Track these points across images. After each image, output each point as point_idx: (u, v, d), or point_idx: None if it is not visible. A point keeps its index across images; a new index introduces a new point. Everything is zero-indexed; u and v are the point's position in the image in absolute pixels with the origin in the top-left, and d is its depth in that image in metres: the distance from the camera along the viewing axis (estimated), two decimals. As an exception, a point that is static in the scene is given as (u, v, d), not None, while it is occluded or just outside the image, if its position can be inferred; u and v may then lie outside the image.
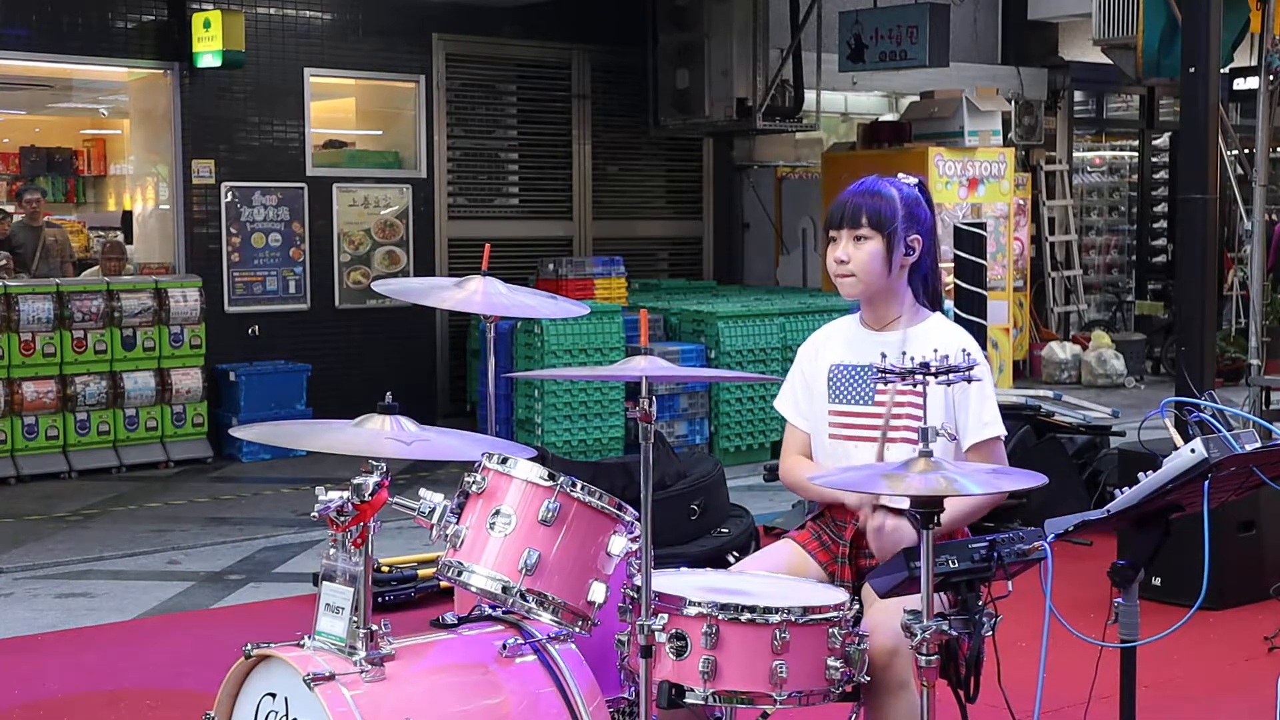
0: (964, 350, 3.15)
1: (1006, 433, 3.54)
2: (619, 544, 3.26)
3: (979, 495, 3.02)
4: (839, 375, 3.61)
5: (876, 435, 3.48)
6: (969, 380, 3.06)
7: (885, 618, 3.16)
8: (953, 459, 3.42)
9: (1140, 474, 3.24)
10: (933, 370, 2.99)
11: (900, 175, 3.67)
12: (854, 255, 3.53)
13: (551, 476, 3.25)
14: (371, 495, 3.11)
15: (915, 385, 3.02)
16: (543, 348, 9.89)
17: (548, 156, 12.48)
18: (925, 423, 2.96)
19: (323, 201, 11.09)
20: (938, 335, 3.50)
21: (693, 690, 3.03)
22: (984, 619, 2.96)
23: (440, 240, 11.72)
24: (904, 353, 3.11)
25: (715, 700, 3.05)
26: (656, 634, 3.03)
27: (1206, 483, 3.15)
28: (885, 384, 3.11)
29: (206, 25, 10.20)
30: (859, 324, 3.66)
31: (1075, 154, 16.44)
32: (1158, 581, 5.70)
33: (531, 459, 3.31)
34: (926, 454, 2.93)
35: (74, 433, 9.78)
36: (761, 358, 10.49)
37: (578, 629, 3.25)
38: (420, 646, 3.27)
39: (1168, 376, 13.98)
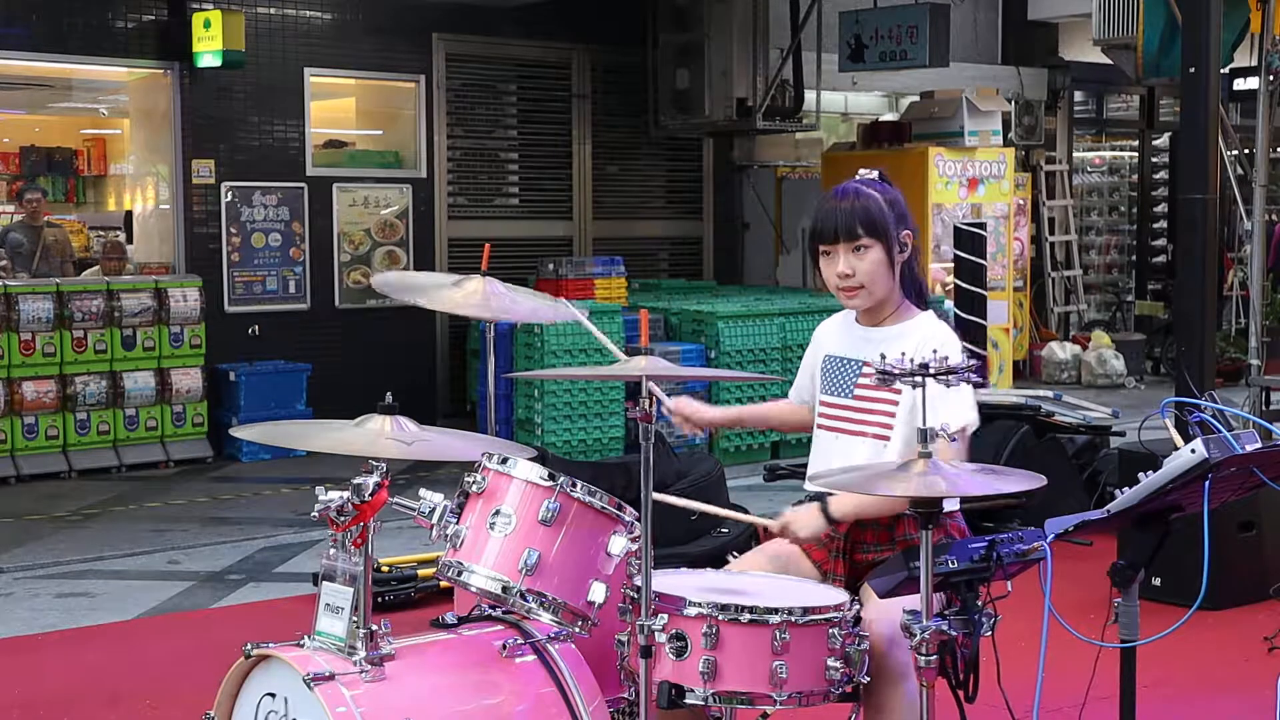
0: (933, 350, 3.09)
1: (974, 424, 3.41)
2: (619, 544, 3.26)
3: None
4: (829, 366, 3.62)
5: (853, 429, 3.50)
6: (969, 381, 3.05)
7: (882, 610, 3.16)
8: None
9: (1140, 474, 3.24)
10: (932, 371, 2.98)
11: (861, 173, 3.60)
12: (858, 267, 3.45)
13: (551, 476, 3.25)
14: (371, 495, 3.11)
15: (891, 384, 3.02)
16: (543, 348, 9.89)
17: (548, 156, 12.48)
18: (925, 424, 2.96)
19: (323, 201, 11.09)
20: (920, 334, 3.47)
21: (693, 690, 3.03)
22: (983, 619, 2.96)
23: (440, 240, 11.72)
24: (882, 355, 3.09)
25: (715, 700, 3.05)
26: (656, 634, 3.03)
27: (1206, 483, 3.15)
28: (888, 383, 3.07)
29: (206, 25, 10.21)
30: (853, 319, 3.65)
31: (1075, 154, 16.44)
32: (1158, 581, 5.69)
33: (531, 459, 3.31)
34: (926, 455, 2.93)
35: (74, 433, 9.77)
36: (761, 358, 10.49)
37: (578, 629, 3.25)
38: (420, 646, 3.27)
39: (1168, 376, 13.98)
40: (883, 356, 3.06)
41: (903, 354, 3.04)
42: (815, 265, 3.62)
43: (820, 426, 3.61)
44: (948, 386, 2.99)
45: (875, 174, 3.61)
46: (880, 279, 3.47)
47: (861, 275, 3.46)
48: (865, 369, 3.45)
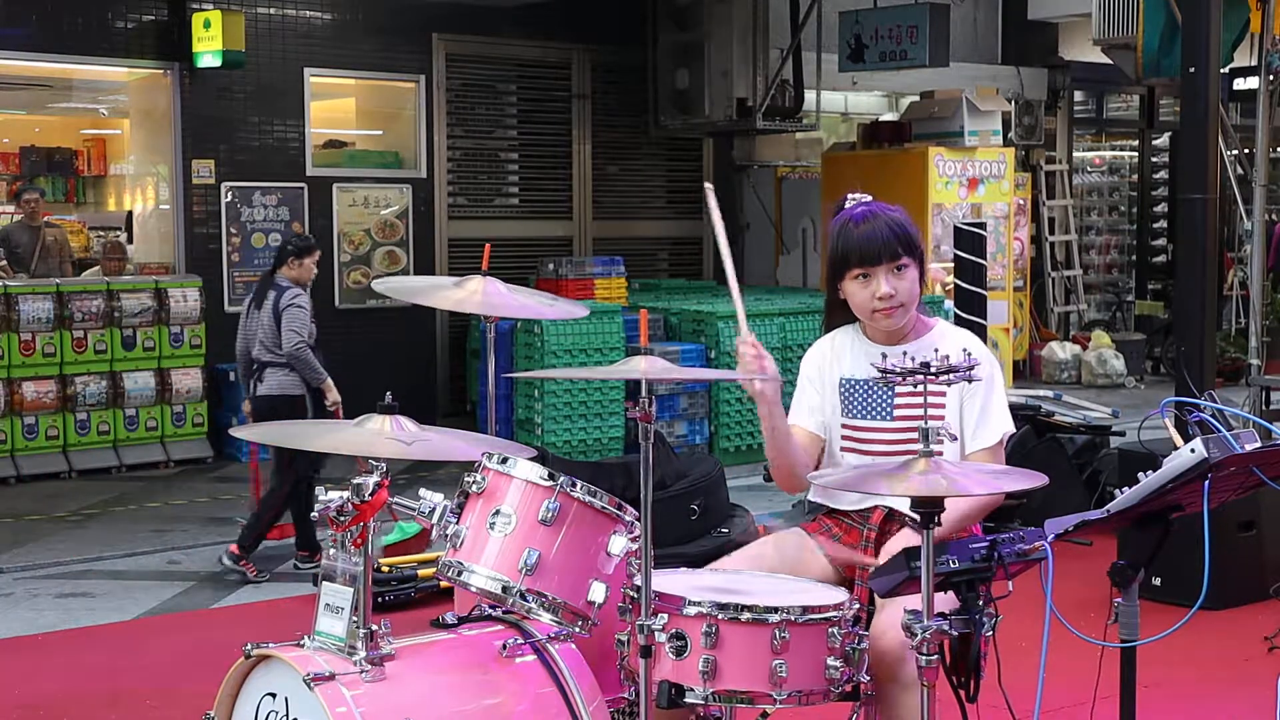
0: (965, 350, 3.14)
1: (1013, 430, 3.53)
2: (619, 544, 3.26)
3: (977, 497, 3.02)
4: (850, 390, 3.57)
5: (898, 450, 3.42)
6: (970, 380, 3.06)
7: (895, 620, 3.15)
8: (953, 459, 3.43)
9: (1140, 474, 3.24)
10: (934, 370, 2.98)
11: (855, 197, 3.60)
12: (899, 287, 3.46)
13: (551, 476, 3.25)
14: (371, 495, 3.11)
15: (918, 386, 3.01)
16: (543, 348, 9.89)
17: (548, 156, 12.49)
18: (926, 423, 2.96)
19: (323, 201, 11.09)
20: (951, 342, 3.47)
21: (693, 690, 3.03)
22: (984, 619, 2.96)
23: (440, 240, 11.72)
24: (935, 350, 3.08)
25: (715, 700, 3.05)
26: (656, 634, 3.03)
27: (1206, 483, 3.14)
28: (906, 383, 3.05)
29: (206, 25, 10.21)
30: (863, 337, 3.60)
31: (1075, 154, 16.44)
32: (1158, 581, 5.70)
33: (531, 459, 3.30)
34: (927, 454, 2.93)
35: (74, 433, 9.77)
36: (761, 358, 10.46)
37: (578, 629, 3.24)
38: (420, 646, 3.27)
39: (1168, 376, 13.98)
40: (884, 355, 3.08)
41: (965, 352, 3.06)
42: (834, 287, 3.56)
43: (849, 450, 3.55)
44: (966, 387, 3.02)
45: (869, 199, 3.59)
46: (915, 295, 3.51)
47: (903, 294, 3.47)
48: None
